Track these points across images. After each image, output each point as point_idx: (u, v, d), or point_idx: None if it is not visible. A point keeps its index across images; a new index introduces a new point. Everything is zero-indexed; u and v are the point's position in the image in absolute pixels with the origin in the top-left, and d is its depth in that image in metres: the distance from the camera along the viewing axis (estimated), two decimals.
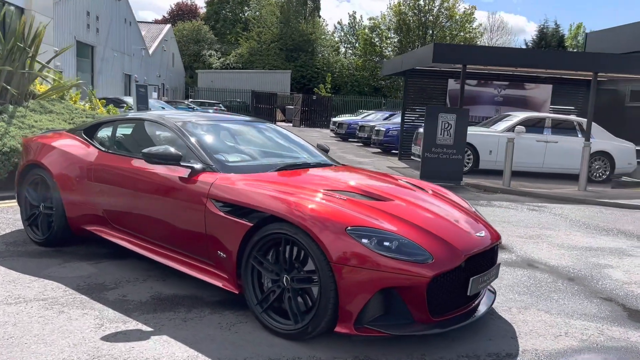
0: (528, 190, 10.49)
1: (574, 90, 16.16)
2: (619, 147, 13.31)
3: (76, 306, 3.66)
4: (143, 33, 41.60)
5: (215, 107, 33.54)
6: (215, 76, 48.91)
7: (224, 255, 3.64)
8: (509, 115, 13.98)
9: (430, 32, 52.65)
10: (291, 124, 36.60)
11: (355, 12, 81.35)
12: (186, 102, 34.86)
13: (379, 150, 18.87)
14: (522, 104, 15.96)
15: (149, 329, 3.36)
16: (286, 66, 53.25)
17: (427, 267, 3.08)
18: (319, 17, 61.00)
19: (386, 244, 3.12)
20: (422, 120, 16.29)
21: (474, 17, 52.70)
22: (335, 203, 3.37)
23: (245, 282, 3.51)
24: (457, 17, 52.03)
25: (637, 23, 16.31)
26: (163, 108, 16.77)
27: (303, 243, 3.18)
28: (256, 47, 55.36)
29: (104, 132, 4.92)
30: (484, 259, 3.53)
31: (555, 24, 53.14)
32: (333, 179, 4.07)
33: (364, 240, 3.09)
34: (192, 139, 4.16)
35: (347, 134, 23.67)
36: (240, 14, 64.97)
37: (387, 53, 54.31)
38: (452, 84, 15.82)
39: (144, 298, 3.87)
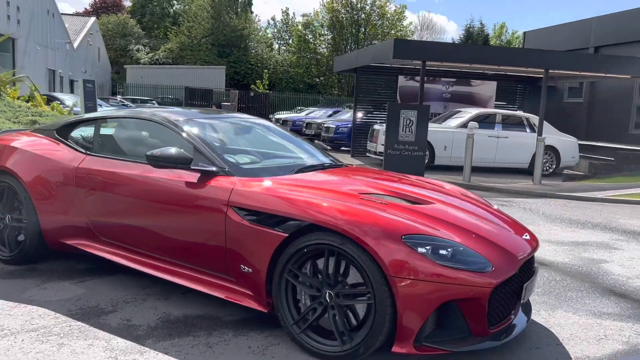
0: (489, 186, 10.63)
1: (516, 87, 16.68)
2: (564, 142, 13.82)
3: (76, 336, 3.15)
4: (67, 26, 39.16)
5: (148, 104, 32.14)
6: (145, 72, 46.95)
7: (249, 270, 3.24)
8: (460, 111, 14.17)
9: (363, 30, 53.13)
10: None
11: (288, 9, 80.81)
12: (118, 98, 33.18)
13: (328, 147, 18.68)
14: (469, 100, 16.28)
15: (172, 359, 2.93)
16: (219, 62, 52.00)
17: (489, 275, 2.86)
18: (251, 12, 60.02)
19: (443, 252, 2.86)
20: (375, 117, 16.28)
21: (405, 16, 53.70)
22: (379, 208, 3.07)
23: (279, 300, 3.14)
24: (389, 15, 52.81)
25: (573, 22, 17.08)
26: (100, 105, 15.71)
27: (352, 254, 2.86)
28: (187, 42, 53.64)
29: (84, 132, 4.35)
30: (530, 264, 3.36)
31: (481, 23, 55.16)
32: (360, 181, 3.76)
33: (422, 250, 2.82)
34: (198, 139, 3.71)
35: (291, 131, 23.31)
36: (169, 8, 62.80)
37: (322, 50, 54.32)
38: (403, 81, 15.88)
39: (152, 322, 3.41)
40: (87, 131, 4.34)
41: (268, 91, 43.44)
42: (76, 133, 4.38)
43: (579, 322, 3.77)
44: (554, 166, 13.79)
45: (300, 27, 55.76)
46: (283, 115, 27.02)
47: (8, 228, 4.32)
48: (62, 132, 4.41)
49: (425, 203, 3.39)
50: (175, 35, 54.36)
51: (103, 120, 4.30)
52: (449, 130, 13.13)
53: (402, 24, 54.23)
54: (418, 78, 15.75)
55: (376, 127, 13.74)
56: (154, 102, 34.46)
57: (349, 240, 2.87)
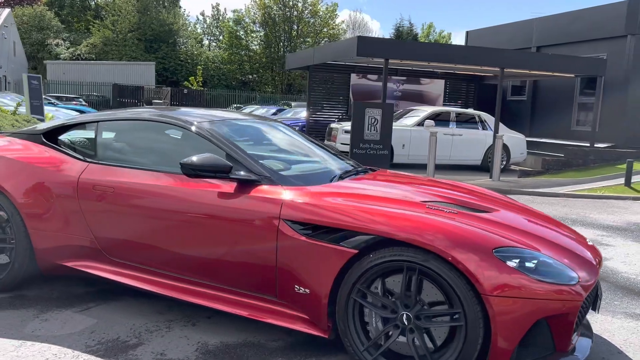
0: None
1: (463, 86, 17.03)
2: (513, 139, 14.21)
3: None
4: None
5: (75, 102, 30.26)
6: (68, 67, 44.25)
7: (306, 291, 2.90)
8: (414, 109, 14.24)
9: (296, 27, 52.89)
10: None
11: (218, 4, 79.01)
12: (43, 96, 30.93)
13: None
14: (419, 98, 16.44)
15: None
16: (146, 57, 49.94)
17: (577, 287, 2.68)
18: (180, 7, 58.14)
19: (530, 265, 2.65)
20: (329, 115, 16.08)
21: (337, 14, 53.97)
22: (455, 220, 2.82)
23: (346, 324, 2.81)
24: (321, 13, 52.86)
25: (515, 23, 17.67)
26: (55, 104, 14.46)
27: (437, 271, 2.60)
28: (111, 36, 51.08)
29: (80, 137, 3.79)
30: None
31: (410, 22, 56.40)
32: (411, 187, 3.49)
33: (512, 264, 2.60)
34: (230, 144, 3.29)
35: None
36: (90, 0, 59.58)
37: (254, 47, 53.58)
38: (355, 79, 15.79)
39: (190, 354, 2.98)
40: (84, 135, 3.79)
41: (202, 88, 42.25)
42: (70, 137, 3.82)
43: (623, 326, 3.71)
44: (505, 162, 14.15)
45: (231, 23, 54.69)
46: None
47: None
48: (52, 136, 3.83)
49: (489, 211, 3.17)
50: (98, 30, 51.65)
51: (105, 122, 3.75)
52: (407, 129, 13.13)
53: (334, 22, 54.49)
54: (370, 76, 15.76)
55: (334, 125, 13.53)
56: (80, 99, 32.47)
57: (434, 256, 2.60)
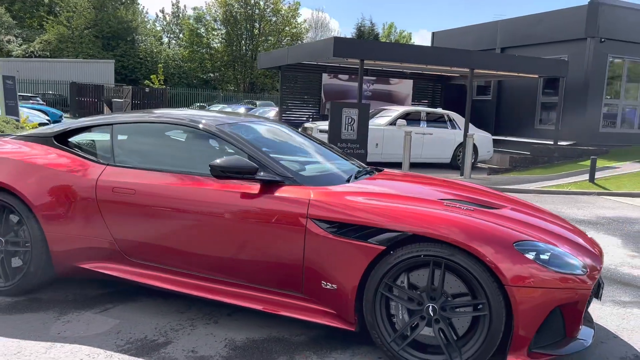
0: None
1: (429, 86, 17.45)
2: (480, 137, 14.66)
3: None
4: None
5: (32, 101, 29.31)
6: (22, 65, 42.74)
7: (333, 287, 3.03)
8: (385, 109, 14.51)
9: (258, 25, 52.68)
10: None
11: (178, 1, 77.63)
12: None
13: None
14: (388, 98, 16.74)
15: None
16: (103, 55, 48.76)
17: (587, 277, 2.91)
18: (138, 3, 56.93)
19: (545, 257, 2.86)
20: (301, 114, 16.19)
21: (299, 13, 54.05)
22: (474, 216, 3.01)
23: (373, 317, 2.96)
24: (283, 12, 52.82)
25: (480, 24, 18.20)
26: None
27: (463, 265, 2.78)
28: (66, 33, 49.62)
29: (94, 139, 3.80)
30: None
31: (371, 22, 56.97)
32: (424, 186, 3.67)
33: (530, 256, 2.80)
34: (251, 146, 3.39)
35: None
36: None
37: (215, 45, 53.07)
38: (327, 79, 15.95)
39: (221, 350, 3.07)
40: (95, 138, 3.81)
41: (164, 87, 41.60)
42: (83, 140, 3.83)
43: (613, 313, 4.00)
44: (472, 160, 14.61)
45: (191, 20, 53.97)
46: None
47: (2, 253, 3.68)
48: (64, 139, 3.83)
49: (498, 207, 3.38)
50: (52, 26, 50.08)
51: (121, 125, 3.77)
52: (380, 128, 13.37)
53: (296, 21, 54.54)
54: (341, 76, 15.96)
55: (308, 125, 13.65)
56: (38, 98, 31.48)
57: (460, 251, 2.78)
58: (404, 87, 16.92)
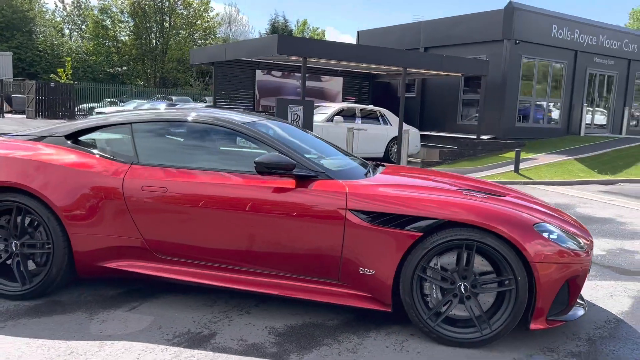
0: None
1: (357, 83, 18.05)
2: (409, 132, 15.46)
3: None
4: None
5: None
6: None
7: (371, 272, 3.30)
8: (321, 106, 14.85)
9: (168, 18, 51.16)
10: (24, 116, 31.37)
11: None
12: None
13: None
14: (320, 95, 17.12)
15: None
16: None
17: (586, 252, 3.39)
18: None
19: (558, 237, 3.28)
20: (235, 110, 16.13)
21: (211, 7, 53.13)
22: (494, 203, 3.38)
23: (411, 297, 3.26)
24: (194, 5, 51.69)
25: (404, 24, 19.05)
26: None
27: (493, 246, 3.14)
28: None
29: (111, 138, 3.77)
30: None
31: (284, 18, 57.20)
32: (437, 178, 4.00)
33: (546, 235, 3.22)
34: (281, 143, 3.56)
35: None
36: None
37: (122, 38, 50.89)
38: (260, 75, 16.03)
39: (268, 337, 3.24)
40: (112, 137, 3.78)
41: (72, 82, 39.31)
42: (96, 139, 3.78)
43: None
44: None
45: (96, 12, 51.30)
46: (109, 108, 24.82)
47: (18, 256, 3.57)
48: (77, 138, 3.77)
49: (504, 195, 3.80)
50: None
51: (141, 124, 3.76)
52: (318, 125, 13.69)
53: (208, 15, 53.57)
54: (275, 72, 16.11)
55: None
56: None
57: (490, 234, 3.14)
58: (335, 84, 17.38)
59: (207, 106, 20.76)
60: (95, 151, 3.71)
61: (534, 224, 3.23)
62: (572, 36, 16.62)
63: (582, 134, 17.57)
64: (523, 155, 13.74)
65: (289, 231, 3.38)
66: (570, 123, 17.41)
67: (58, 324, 3.28)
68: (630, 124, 19.20)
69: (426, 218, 3.21)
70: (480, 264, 3.26)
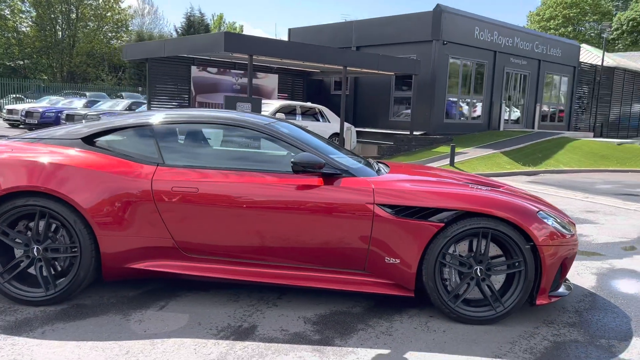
0: None
1: (293, 80, 18.28)
2: (351, 129, 15.94)
3: (284, 352, 3.03)
4: None
5: None
6: None
7: (396, 261, 3.59)
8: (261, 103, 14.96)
9: (75, 9, 48.49)
10: None
11: None
12: None
13: None
14: (256, 92, 17.15)
15: (384, 351, 3.15)
16: None
17: (573, 236, 3.88)
18: None
19: (555, 222, 3.74)
20: (170, 107, 15.77)
21: None
22: (500, 194, 3.78)
23: (434, 282, 3.58)
24: None
25: (337, 23, 19.49)
26: None
27: (505, 233, 3.53)
28: None
29: (131, 140, 3.77)
30: None
31: (200, 12, 55.98)
32: (441, 173, 4.34)
33: (547, 221, 3.67)
34: (305, 144, 3.76)
35: (40, 124, 20.42)
36: None
37: (24, 29, 47.62)
38: (196, 71, 15.81)
39: (305, 326, 3.44)
40: (135, 139, 3.78)
41: None
42: (118, 141, 3.76)
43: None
44: None
45: None
46: (22, 105, 23.22)
47: (41, 261, 3.50)
48: (94, 141, 3.73)
49: (499, 187, 4.22)
50: None
51: (163, 125, 3.79)
52: None
53: (119, 7, 51.37)
54: (210, 69, 15.97)
55: None
56: None
57: (503, 222, 3.54)
58: (270, 81, 17.49)
59: (131, 103, 20.08)
60: (117, 153, 3.70)
61: (537, 212, 3.66)
62: (492, 38, 17.84)
63: (501, 128, 18.93)
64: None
65: (321, 226, 3.58)
66: (491, 119, 18.69)
67: (97, 326, 3.28)
68: (541, 119, 20.92)
69: (448, 210, 3.55)
70: (492, 249, 3.65)
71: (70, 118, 18.80)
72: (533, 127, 20.40)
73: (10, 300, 3.56)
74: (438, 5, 16.13)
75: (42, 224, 3.50)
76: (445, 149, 15.03)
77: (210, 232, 3.61)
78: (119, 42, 51.42)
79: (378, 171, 4.08)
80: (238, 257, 3.65)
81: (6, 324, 3.26)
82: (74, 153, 3.64)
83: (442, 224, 3.54)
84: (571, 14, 55.35)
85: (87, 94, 33.14)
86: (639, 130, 27.65)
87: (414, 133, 15.77)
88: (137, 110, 16.76)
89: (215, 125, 3.87)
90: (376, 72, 15.40)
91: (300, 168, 3.50)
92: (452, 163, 12.70)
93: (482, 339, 3.37)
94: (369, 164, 4.24)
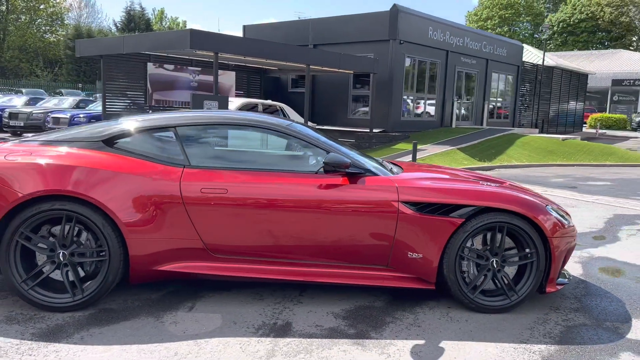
0: None
1: (250, 77, 18.19)
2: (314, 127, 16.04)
3: (327, 346, 3.12)
4: None
5: None
6: None
7: (419, 256, 3.75)
8: None
9: (5, 2, 46.04)
10: None
11: None
12: None
13: None
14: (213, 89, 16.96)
15: (420, 341, 3.31)
16: None
17: (573, 228, 4.18)
18: None
19: (559, 215, 4.02)
20: (126, 104, 15.35)
21: None
22: (508, 190, 4.02)
23: (454, 274, 3.76)
24: None
25: (293, 21, 19.50)
26: None
27: (519, 225, 3.77)
28: None
29: (150, 142, 3.73)
30: None
31: (141, 6, 54.47)
32: (451, 171, 4.53)
33: (554, 214, 3.94)
34: (328, 145, 3.86)
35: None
36: None
37: None
38: (152, 68, 15.45)
39: (335, 321, 3.55)
40: (158, 141, 3.74)
41: None
42: (141, 143, 3.71)
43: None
44: None
45: None
46: None
47: (68, 266, 3.42)
48: (115, 143, 3.67)
49: (503, 183, 4.46)
50: None
51: (185, 127, 3.77)
52: None
53: (55, 1, 49.21)
54: (167, 66, 15.66)
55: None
56: None
57: (517, 216, 3.77)
58: (228, 78, 17.33)
59: (79, 101, 19.35)
60: (141, 155, 3.66)
61: (546, 206, 3.93)
62: (444, 38, 18.42)
63: (453, 126, 19.60)
64: (411, 146, 15.03)
65: (349, 224, 3.69)
66: (444, 116, 19.31)
67: (134, 329, 3.26)
68: (489, 116, 21.80)
69: (468, 206, 3.74)
70: (505, 242, 3.88)
71: (14, 116, 17.94)
72: (482, 124, 21.23)
73: (34, 308, 3.46)
74: (395, 5, 16.49)
75: (66, 228, 3.43)
76: (404, 146, 15.42)
77: (239, 232, 3.64)
78: (54, 36, 49.30)
79: (391, 170, 4.23)
80: (265, 256, 3.71)
81: (39, 331, 3.18)
82: (98, 155, 3.57)
83: (463, 220, 3.73)
84: (507, 15, 57.79)
85: (24, 90, 31.59)
86: (574, 126, 29.29)
87: (374, 130, 16.08)
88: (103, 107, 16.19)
89: (237, 127, 3.90)
90: (337, 70, 15.58)
91: (331, 168, 3.60)
92: (414, 159, 13.06)
93: (503, 327, 3.59)
94: (382, 164, 4.38)
